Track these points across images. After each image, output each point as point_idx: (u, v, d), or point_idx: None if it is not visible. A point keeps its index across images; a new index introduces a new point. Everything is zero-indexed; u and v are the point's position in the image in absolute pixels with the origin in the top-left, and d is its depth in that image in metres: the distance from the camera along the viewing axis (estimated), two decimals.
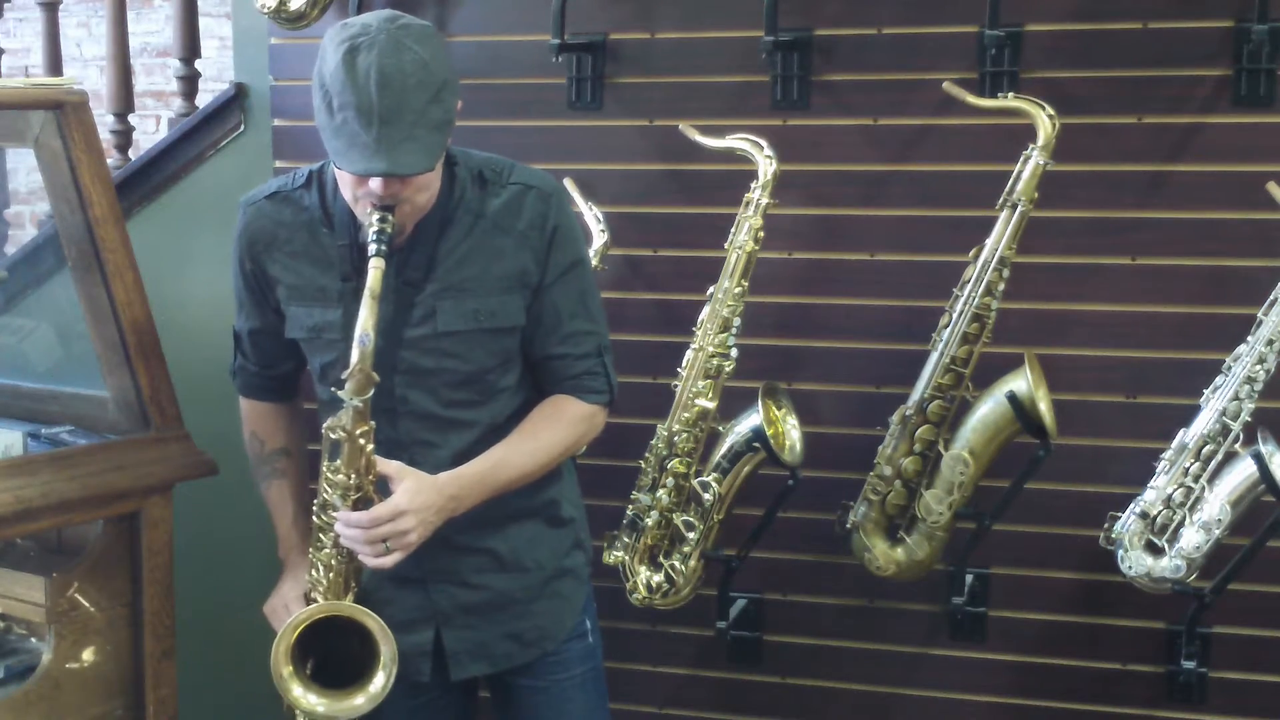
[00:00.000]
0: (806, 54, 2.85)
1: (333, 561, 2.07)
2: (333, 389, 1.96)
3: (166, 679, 2.60)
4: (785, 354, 2.92)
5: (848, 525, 2.76)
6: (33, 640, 2.53)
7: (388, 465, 1.99)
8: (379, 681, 2.02)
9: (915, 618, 2.96)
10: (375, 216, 1.92)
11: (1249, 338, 2.50)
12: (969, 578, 2.86)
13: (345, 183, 1.98)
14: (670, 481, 2.72)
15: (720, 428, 2.72)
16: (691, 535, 2.74)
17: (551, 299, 2.11)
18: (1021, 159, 2.57)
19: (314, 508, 2.09)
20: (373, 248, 1.91)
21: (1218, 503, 2.48)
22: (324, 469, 2.02)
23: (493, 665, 2.19)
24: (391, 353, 2.01)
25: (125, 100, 3.63)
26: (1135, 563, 2.55)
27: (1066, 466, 2.76)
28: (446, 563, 2.13)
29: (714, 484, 2.71)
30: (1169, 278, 2.74)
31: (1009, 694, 2.94)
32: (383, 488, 2.01)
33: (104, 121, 3.09)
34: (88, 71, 5.35)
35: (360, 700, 2.04)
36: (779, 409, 2.74)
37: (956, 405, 2.65)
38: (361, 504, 1.99)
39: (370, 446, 1.97)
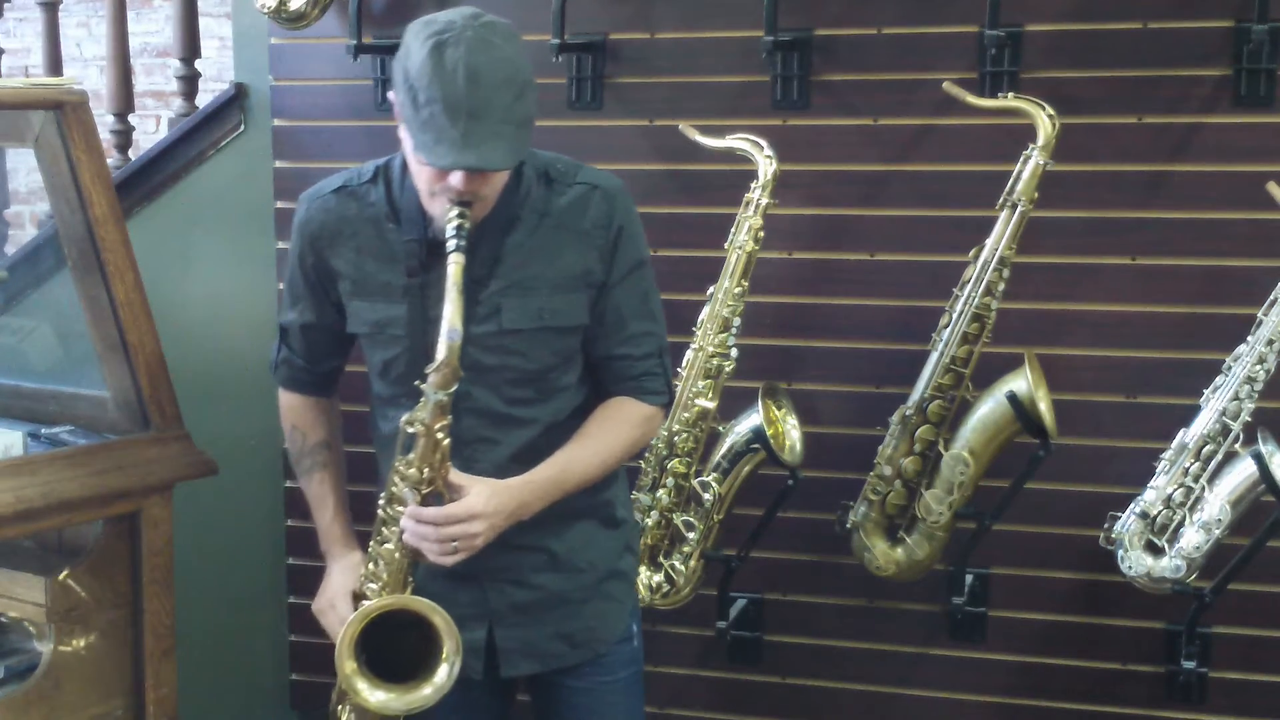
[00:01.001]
0: (806, 54, 2.85)
1: (395, 556, 2.06)
2: (416, 383, 1.95)
3: (166, 679, 2.59)
4: (785, 354, 2.93)
5: (848, 525, 2.76)
6: (33, 640, 2.53)
7: (459, 477, 1.99)
8: (444, 672, 2.00)
9: (915, 618, 2.96)
10: (454, 212, 1.92)
11: (1249, 338, 2.50)
12: (969, 578, 2.86)
13: (422, 177, 1.97)
14: (670, 481, 2.73)
15: (720, 428, 2.73)
16: (691, 535, 2.74)
17: (615, 299, 2.11)
18: (1021, 159, 2.57)
19: (380, 500, 2.07)
20: (452, 243, 1.91)
21: (1218, 503, 2.49)
22: (396, 463, 2.00)
23: (542, 664, 2.19)
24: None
25: (125, 100, 3.63)
26: (1135, 563, 2.55)
27: (1066, 466, 2.76)
28: (503, 561, 2.12)
29: (714, 484, 2.71)
30: (1169, 278, 2.74)
31: (1009, 694, 2.94)
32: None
33: (104, 121, 3.09)
34: (88, 71, 5.35)
35: (428, 691, 2.02)
36: (779, 409, 2.74)
37: (956, 405, 2.65)
38: (431, 499, 1.98)
39: (446, 442, 1.96)
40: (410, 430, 1.96)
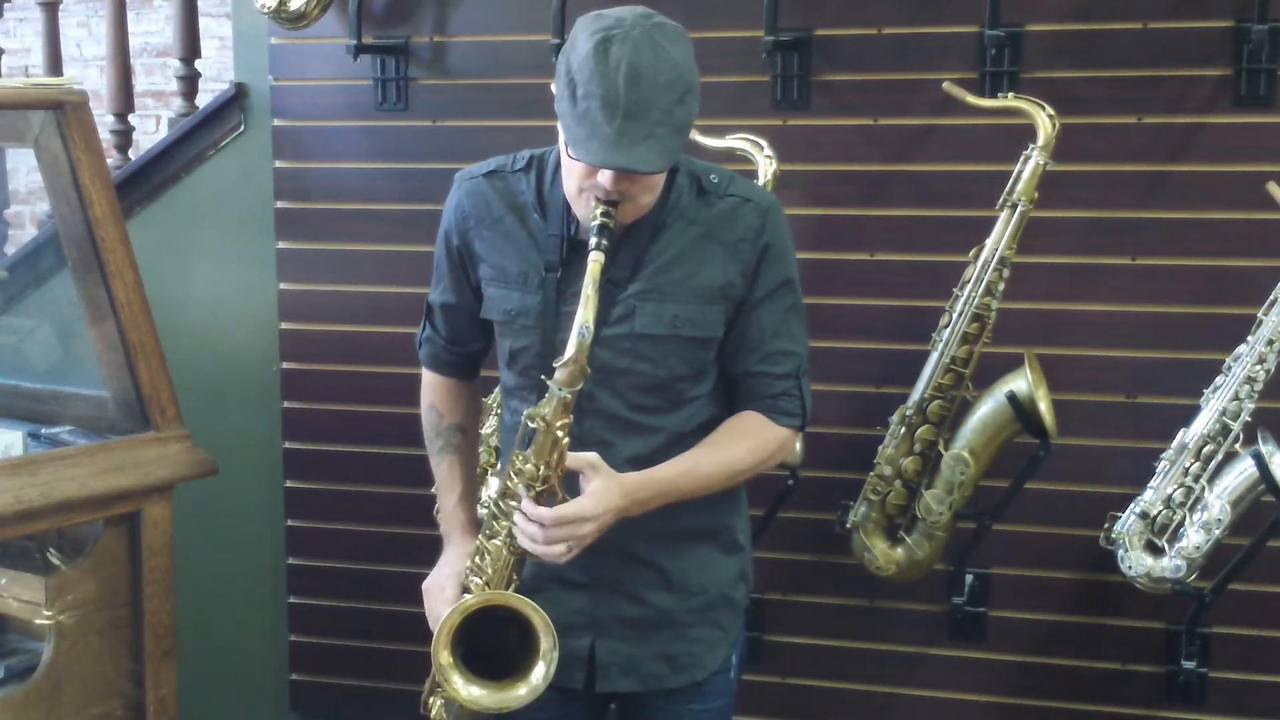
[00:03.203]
0: (806, 54, 2.85)
1: (503, 552, 2.02)
2: (543, 377, 1.93)
3: (166, 679, 2.60)
4: None
5: (848, 525, 2.76)
6: (33, 640, 2.54)
7: (579, 459, 1.95)
8: (539, 672, 1.96)
9: (915, 618, 2.96)
10: (599, 210, 1.90)
11: (1249, 338, 2.50)
12: (969, 578, 2.86)
13: (572, 173, 1.95)
14: None
15: None
16: None
17: (756, 316, 2.07)
18: (1021, 159, 2.57)
19: (494, 495, 2.05)
20: (594, 241, 1.89)
21: (1218, 503, 2.48)
22: (513, 457, 1.98)
23: (641, 683, 2.14)
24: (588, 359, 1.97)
25: (125, 100, 3.64)
26: (1135, 563, 2.55)
27: (1066, 466, 2.76)
28: (616, 572, 2.08)
29: None
30: (1169, 278, 2.74)
31: (1009, 694, 2.94)
32: (568, 481, 1.97)
33: (104, 121, 3.09)
34: (88, 71, 5.35)
35: (523, 691, 1.97)
36: None
37: (956, 405, 2.65)
38: (545, 496, 1.95)
39: (566, 440, 1.93)
40: (531, 425, 1.93)
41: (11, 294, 3.08)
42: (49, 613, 2.42)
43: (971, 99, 2.62)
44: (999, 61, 2.73)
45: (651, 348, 2.02)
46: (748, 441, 2.08)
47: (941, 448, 2.66)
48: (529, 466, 1.94)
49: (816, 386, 2.92)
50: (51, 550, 2.60)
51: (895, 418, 2.69)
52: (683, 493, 2.03)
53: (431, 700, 2.17)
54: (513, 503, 1.97)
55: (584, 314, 1.86)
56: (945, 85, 2.66)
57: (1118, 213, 2.75)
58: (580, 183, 1.93)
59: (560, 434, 1.92)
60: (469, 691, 1.99)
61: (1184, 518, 2.52)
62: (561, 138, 1.93)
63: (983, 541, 2.75)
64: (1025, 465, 2.63)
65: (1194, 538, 2.50)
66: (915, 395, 2.67)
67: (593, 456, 1.95)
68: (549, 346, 1.97)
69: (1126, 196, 2.75)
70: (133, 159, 3.51)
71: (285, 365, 3.31)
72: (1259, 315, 2.50)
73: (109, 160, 2.98)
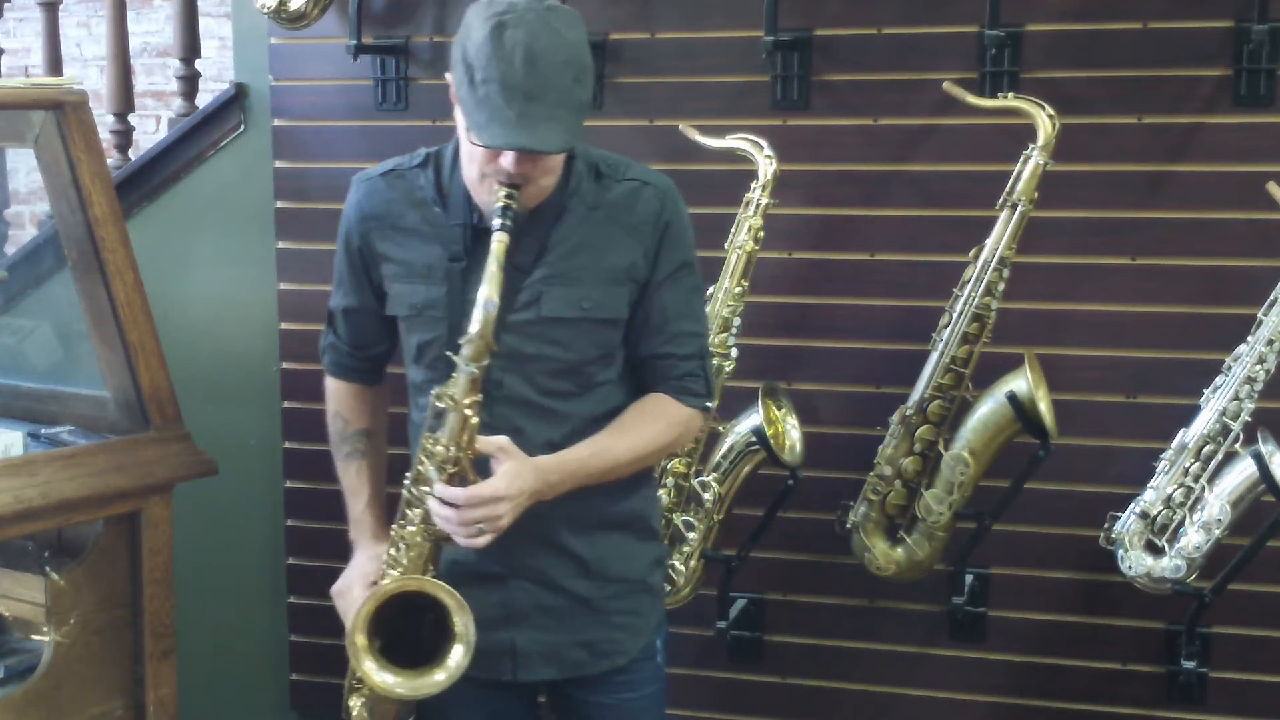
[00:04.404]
0: (806, 54, 2.85)
1: (417, 539, 2.03)
2: (449, 353, 1.95)
3: (166, 679, 2.60)
4: (785, 354, 2.93)
5: (848, 525, 2.76)
6: (33, 640, 2.53)
7: (489, 443, 1.96)
8: (457, 654, 1.95)
9: (915, 618, 2.96)
10: (503, 193, 1.93)
11: (1249, 338, 2.50)
12: (969, 578, 2.86)
13: (474, 159, 1.97)
14: (670, 481, 2.72)
15: (720, 428, 2.72)
16: (692, 535, 2.74)
17: (660, 298, 2.09)
18: (1021, 159, 2.57)
19: (406, 481, 2.05)
20: (497, 223, 1.92)
21: (1218, 503, 2.49)
22: (423, 440, 1.98)
23: (562, 671, 2.16)
24: (493, 336, 1.97)
25: (125, 100, 3.63)
26: (1135, 563, 2.55)
27: (1066, 466, 2.76)
28: (533, 561, 2.10)
29: (714, 484, 2.71)
30: (1169, 278, 2.74)
31: (1009, 694, 2.94)
32: (480, 465, 1.98)
33: (104, 121, 3.09)
34: (88, 71, 5.35)
35: (440, 676, 1.97)
36: (779, 409, 2.74)
37: (956, 405, 2.65)
38: (457, 480, 1.96)
39: (475, 420, 1.94)
40: (440, 405, 1.94)
41: (11, 294, 3.08)
42: (49, 613, 2.42)
43: (971, 99, 2.62)
44: (999, 61, 2.73)
45: (561, 331, 2.05)
46: (658, 423, 2.11)
47: (941, 448, 2.66)
48: (440, 448, 1.95)
49: (816, 386, 2.95)
50: (51, 550, 2.60)
51: (895, 418, 2.69)
52: (594, 474, 2.05)
53: (352, 701, 2.16)
54: (425, 488, 1.98)
55: (487, 289, 1.89)
56: (945, 85, 2.66)
57: (1118, 213, 2.75)
58: (482, 168, 1.96)
59: (469, 413, 1.93)
60: (382, 678, 1.98)
61: (1184, 518, 2.52)
62: (461, 125, 1.95)
63: (983, 541, 2.75)
64: (1025, 465, 2.63)
65: (1194, 538, 2.50)
66: (915, 395, 2.67)
67: (503, 440, 1.97)
68: (457, 335, 1.98)
69: (1126, 196, 2.75)
70: (133, 159, 3.51)
71: (285, 365, 3.31)
72: (1259, 315, 2.50)
73: (109, 160, 2.98)
